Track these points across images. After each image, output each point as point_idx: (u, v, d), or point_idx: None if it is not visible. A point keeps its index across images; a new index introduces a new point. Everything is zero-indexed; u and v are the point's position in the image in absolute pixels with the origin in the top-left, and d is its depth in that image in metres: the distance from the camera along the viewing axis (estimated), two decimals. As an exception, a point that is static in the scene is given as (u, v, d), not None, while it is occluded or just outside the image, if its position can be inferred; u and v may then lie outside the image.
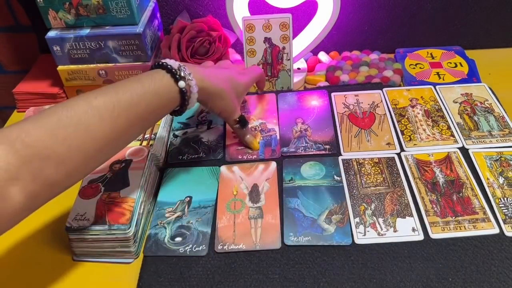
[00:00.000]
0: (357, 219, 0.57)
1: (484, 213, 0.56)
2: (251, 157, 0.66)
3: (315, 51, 0.85)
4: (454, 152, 0.64)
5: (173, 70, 0.53)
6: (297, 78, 0.81)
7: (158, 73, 0.53)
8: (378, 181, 0.61)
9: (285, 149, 0.67)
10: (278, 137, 0.69)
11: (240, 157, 0.67)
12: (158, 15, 0.85)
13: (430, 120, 0.70)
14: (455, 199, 0.58)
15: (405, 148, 0.66)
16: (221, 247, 0.55)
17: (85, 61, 0.76)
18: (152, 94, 0.50)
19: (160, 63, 0.54)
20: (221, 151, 0.68)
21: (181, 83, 0.53)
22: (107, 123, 0.46)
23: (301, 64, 0.85)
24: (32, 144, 0.41)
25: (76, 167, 0.44)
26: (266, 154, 0.67)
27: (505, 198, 0.58)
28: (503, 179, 0.60)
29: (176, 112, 0.56)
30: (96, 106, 0.45)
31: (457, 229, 0.55)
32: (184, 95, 0.53)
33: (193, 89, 0.54)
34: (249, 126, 0.69)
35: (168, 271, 0.54)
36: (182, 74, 0.53)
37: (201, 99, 0.58)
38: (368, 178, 0.62)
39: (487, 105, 0.72)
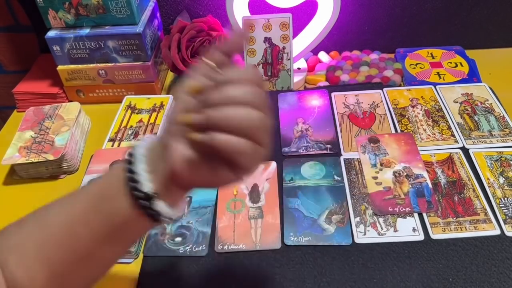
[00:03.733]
0: (358, 219, 0.57)
1: (485, 214, 0.56)
2: (403, 209, 0.57)
3: (315, 51, 0.85)
4: (456, 153, 0.64)
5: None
6: (297, 78, 0.81)
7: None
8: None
9: (286, 149, 0.67)
10: (430, 185, 0.60)
11: (391, 209, 0.57)
12: (158, 15, 0.85)
13: (431, 120, 0.70)
14: (456, 200, 0.58)
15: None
16: (221, 247, 0.55)
17: (85, 61, 0.76)
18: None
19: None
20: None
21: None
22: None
23: (301, 64, 0.85)
24: None
25: None
26: (421, 207, 0.57)
27: (506, 198, 0.58)
28: (503, 179, 0.60)
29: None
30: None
31: (458, 230, 0.55)
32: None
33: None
34: None
35: (168, 271, 0.53)
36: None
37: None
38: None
39: (488, 105, 0.72)
